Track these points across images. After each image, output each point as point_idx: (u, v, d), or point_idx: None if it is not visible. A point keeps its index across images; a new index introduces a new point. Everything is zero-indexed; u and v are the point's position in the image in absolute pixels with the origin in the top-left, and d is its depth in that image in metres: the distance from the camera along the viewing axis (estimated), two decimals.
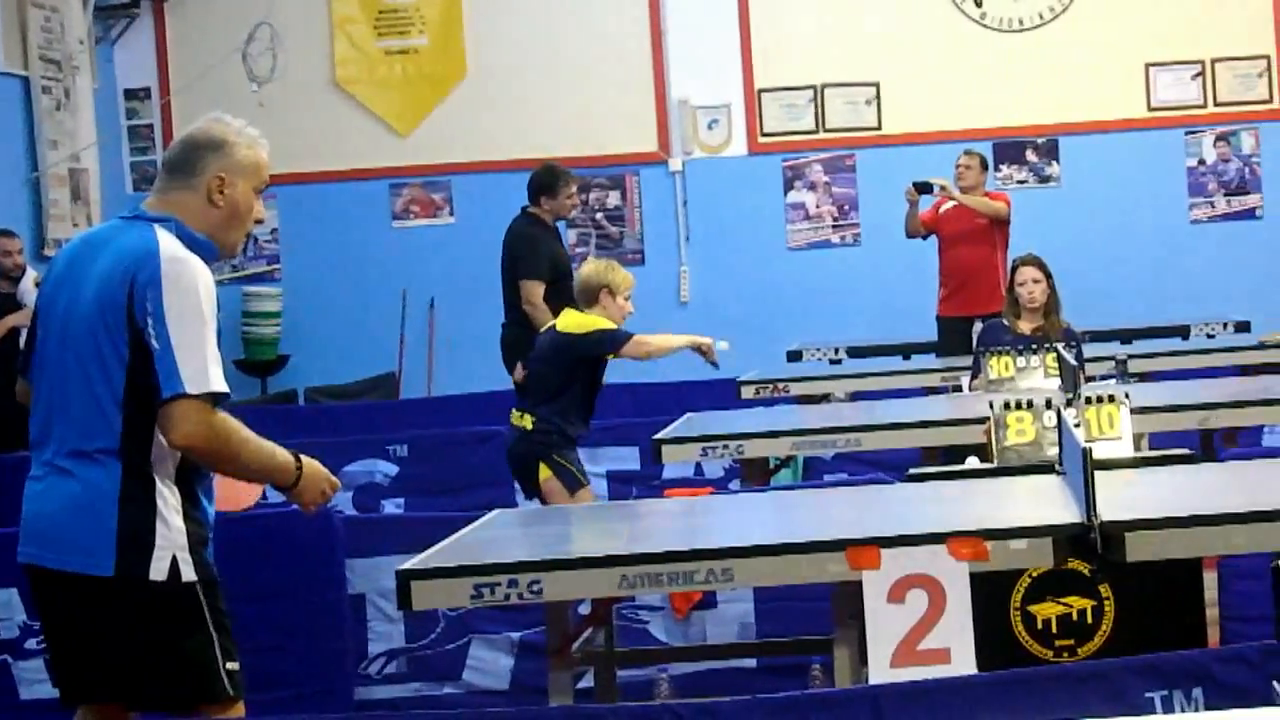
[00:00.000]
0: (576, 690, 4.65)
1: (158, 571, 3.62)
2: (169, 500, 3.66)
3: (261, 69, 11.22)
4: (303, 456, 3.80)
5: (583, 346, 6.64)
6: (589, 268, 6.89)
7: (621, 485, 8.29)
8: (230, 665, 3.69)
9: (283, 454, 3.77)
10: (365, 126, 12.29)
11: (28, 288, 9.41)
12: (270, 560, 5.68)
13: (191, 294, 3.60)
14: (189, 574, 3.67)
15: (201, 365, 3.57)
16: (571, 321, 6.73)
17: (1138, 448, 5.05)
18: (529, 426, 6.64)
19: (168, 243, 3.64)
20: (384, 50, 12.29)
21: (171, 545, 3.64)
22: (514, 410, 6.88)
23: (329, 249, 12.27)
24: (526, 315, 8.56)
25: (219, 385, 3.60)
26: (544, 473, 6.56)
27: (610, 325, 6.67)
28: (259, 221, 3.88)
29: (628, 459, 8.33)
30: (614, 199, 12.19)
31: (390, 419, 10.11)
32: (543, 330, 7.18)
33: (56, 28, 11.21)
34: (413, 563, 3.99)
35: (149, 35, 12.33)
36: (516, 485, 7.06)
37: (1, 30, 10.73)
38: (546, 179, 8.80)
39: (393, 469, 8.33)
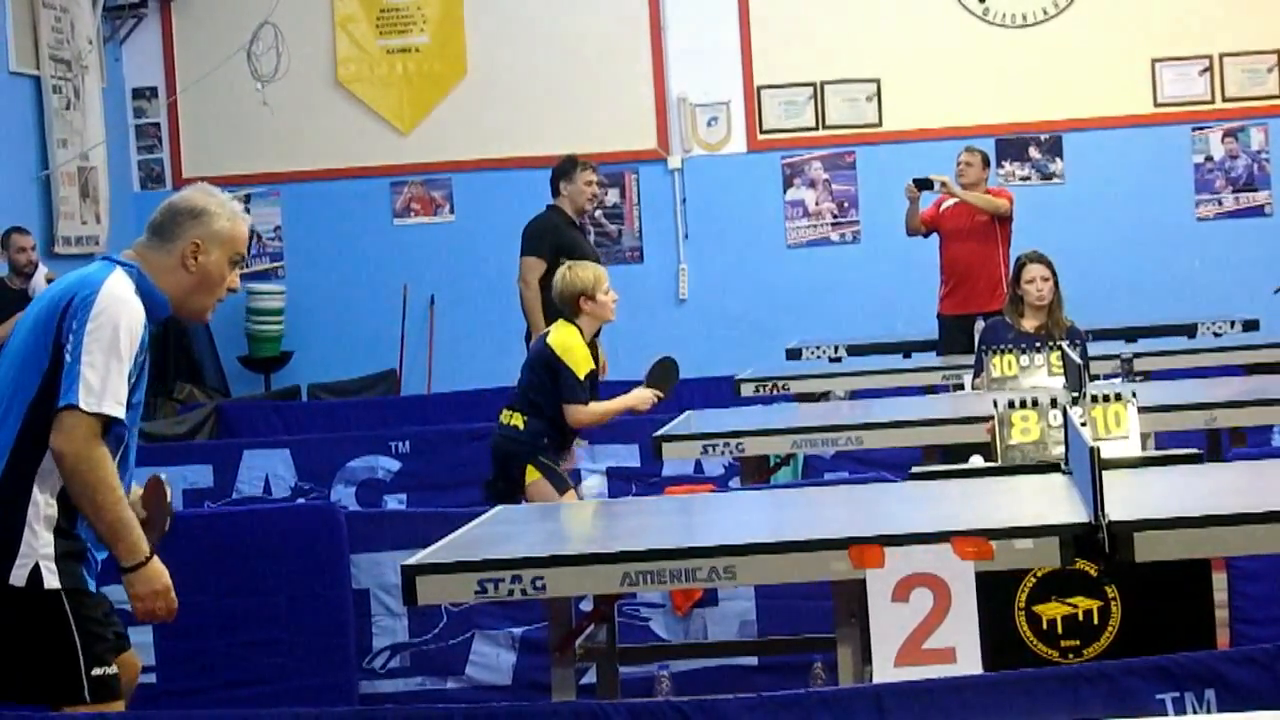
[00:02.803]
0: (578, 686, 4.64)
1: (18, 578, 3.74)
2: (42, 510, 3.78)
3: (265, 68, 11.24)
4: (157, 561, 3.86)
5: (558, 376, 6.51)
6: (556, 281, 6.69)
7: (621, 482, 8.29)
8: (97, 671, 3.79)
9: (140, 535, 3.84)
10: (367, 125, 12.29)
11: (39, 284, 9.51)
12: (275, 555, 5.68)
13: (111, 328, 3.76)
14: (52, 582, 3.77)
15: (100, 388, 3.73)
16: (559, 342, 6.54)
17: (1144, 447, 5.03)
18: (520, 426, 6.57)
19: (117, 281, 3.84)
20: (385, 49, 12.29)
21: (34, 554, 3.76)
22: (505, 409, 6.77)
23: (331, 247, 12.28)
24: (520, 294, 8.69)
25: (110, 409, 3.74)
26: (531, 475, 6.50)
27: (583, 370, 6.44)
28: (233, 290, 4.03)
29: (627, 456, 8.31)
30: (613, 197, 12.18)
31: (391, 415, 10.13)
32: (535, 337, 7.13)
33: (66, 28, 11.23)
34: (417, 558, 3.99)
35: (156, 35, 12.34)
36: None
37: (13, 31, 10.75)
38: (564, 165, 8.93)
39: (395, 465, 8.34)
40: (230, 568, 5.68)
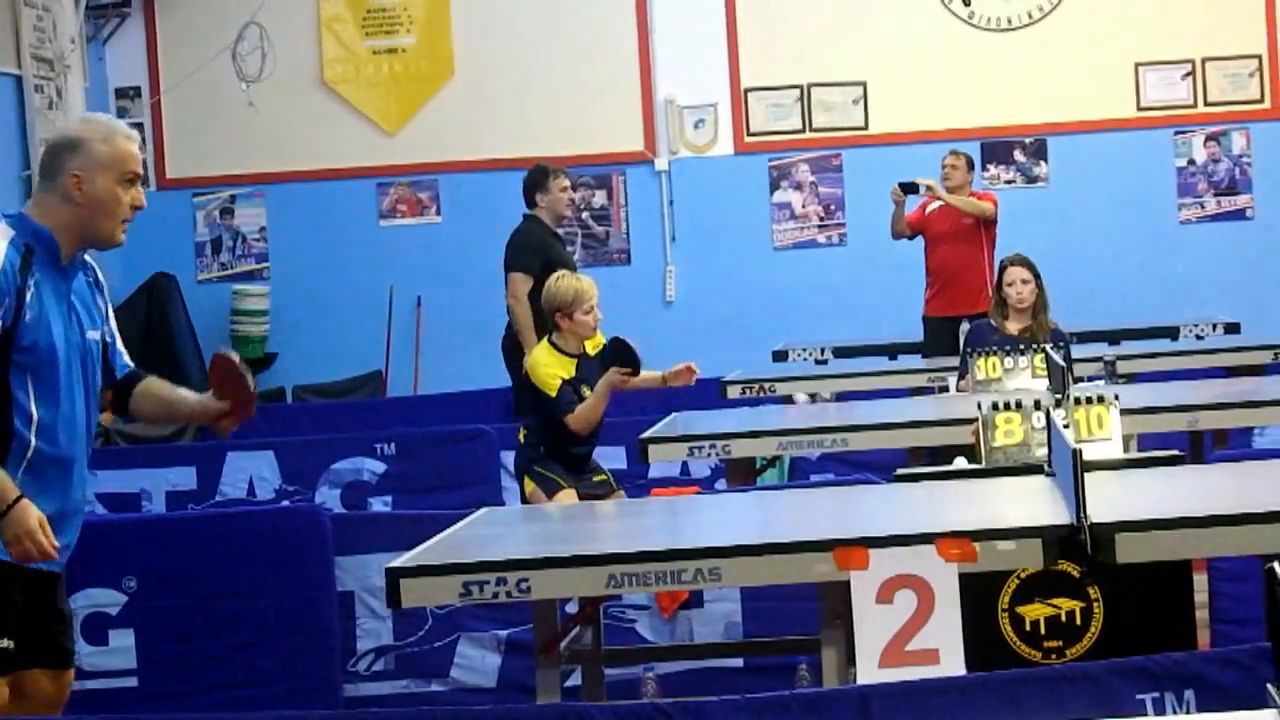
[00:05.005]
0: (563, 689, 4.64)
1: None
2: None
3: (250, 68, 11.22)
4: (25, 503, 3.83)
5: (539, 397, 6.51)
6: (543, 295, 6.70)
7: None
8: None
9: (6, 482, 3.83)
10: (353, 125, 12.28)
11: None
12: (259, 557, 5.68)
13: None
14: None
15: None
16: (529, 365, 6.57)
17: (1126, 449, 5.05)
18: (522, 440, 6.63)
19: None
20: (371, 50, 12.28)
21: None
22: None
23: (316, 247, 12.26)
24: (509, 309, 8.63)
25: None
26: (528, 485, 6.53)
27: (553, 385, 6.41)
28: (138, 208, 4.01)
29: (613, 458, 8.29)
30: (600, 198, 12.18)
31: (377, 417, 10.11)
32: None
33: (49, 27, 11.19)
34: (402, 560, 3.99)
35: (139, 34, 12.30)
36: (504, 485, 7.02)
37: None
38: (536, 176, 8.83)
39: (380, 467, 8.32)
40: (213, 570, 5.68)
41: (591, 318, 6.53)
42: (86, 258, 4.08)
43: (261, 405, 11.06)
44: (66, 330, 3.95)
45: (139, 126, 12.22)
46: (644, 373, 6.80)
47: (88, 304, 4.04)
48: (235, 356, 4.17)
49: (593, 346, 6.61)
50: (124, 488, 7.85)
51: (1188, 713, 2.98)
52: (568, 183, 8.85)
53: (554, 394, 6.42)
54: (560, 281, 6.60)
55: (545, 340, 6.63)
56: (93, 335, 4.04)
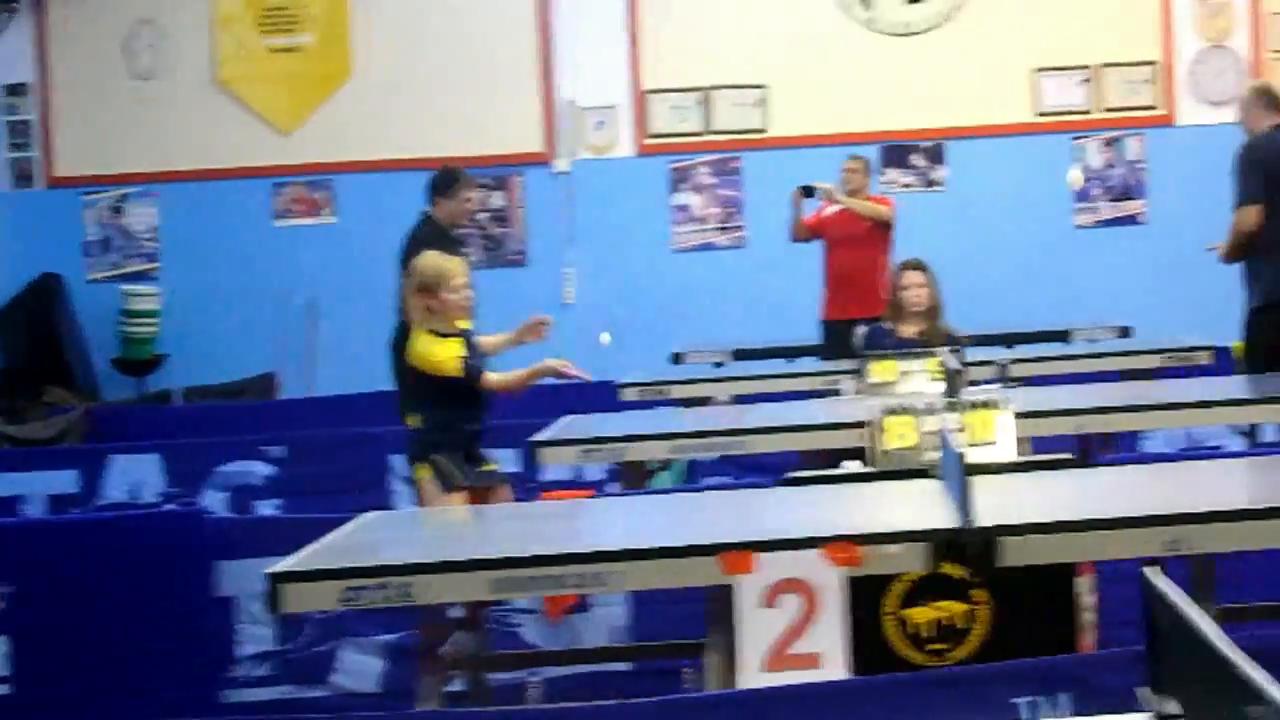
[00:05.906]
0: (447, 694, 4.57)
1: None
2: None
3: (143, 66, 11.05)
4: None
5: (443, 383, 6.29)
6: (409, 276, 6.40)
7: None
8: None
9: None
10: (247, 124, 12.12)
11: None
12: (136, 562, 5.57)
13: None
14: None
15: None
16: (428, 356, 6.23)
17: (1020, 453, 5.05)
18: (413, 427, 6.47)
19: None
20: (268, 48, 12.13)
21: None
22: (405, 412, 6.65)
23: (209, 248, 12.09)
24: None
25: None
26: (420, 472, 6.38)
27: (451, 365, 6.14)
28: None
29: (506, 461, 8.23)
30: (499, 199, 12.10)
31: (269, 419, 9.97)
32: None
33: None
34: (282, 565, 3.90)
35: (29, 30, 12.08)
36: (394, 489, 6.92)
37: None
38: (443, 178, 8.71)
39: (269, 470, 8.19)
40: (91, 576, 5.56)
41: (461, 296, 6.19)
42: None
43: (148, 407, 10.95)
44: None
45: (25, 124, 12.03)
46: (494, 338, 6.61)
47: None
48: None
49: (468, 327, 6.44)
50: (2, 492, 7.66)
51: (1062, 716, 2.97)
52: (473, 194, 8.75)
53: (461, 372, 6.16)
54: (423, 260, 6.29)
55: (423, 331, 6.31)
56: None
